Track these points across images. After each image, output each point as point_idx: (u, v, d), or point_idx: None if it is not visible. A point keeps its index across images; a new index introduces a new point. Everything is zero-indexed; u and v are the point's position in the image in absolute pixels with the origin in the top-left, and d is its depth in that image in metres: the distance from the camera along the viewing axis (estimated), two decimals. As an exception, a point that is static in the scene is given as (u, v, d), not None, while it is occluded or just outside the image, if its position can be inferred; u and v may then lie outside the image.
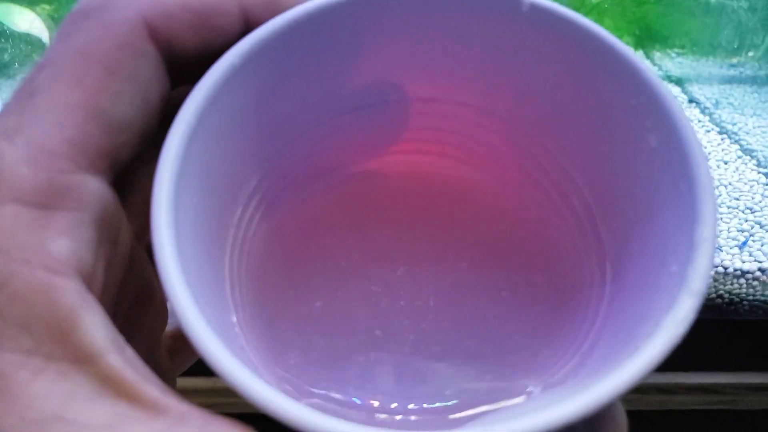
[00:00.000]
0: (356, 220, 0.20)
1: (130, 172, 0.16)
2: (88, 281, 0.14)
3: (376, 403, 0.17)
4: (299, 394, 0.17)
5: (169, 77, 0.16)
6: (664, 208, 0.14)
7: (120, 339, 0.14)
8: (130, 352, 0.14)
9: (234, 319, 0.16)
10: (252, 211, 0.18)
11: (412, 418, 0.16)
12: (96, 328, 0.13)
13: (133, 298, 0.18)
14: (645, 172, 0.15)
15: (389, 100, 0.18)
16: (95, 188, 0.14)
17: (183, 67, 0.16)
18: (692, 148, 0.14)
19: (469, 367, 0.17)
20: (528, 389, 0.16)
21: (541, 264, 0.18)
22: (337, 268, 0.19)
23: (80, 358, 0.13)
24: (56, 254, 0.13)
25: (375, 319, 0.18)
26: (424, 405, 0.17)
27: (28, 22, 0.90)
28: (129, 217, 0.16)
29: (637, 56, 0.15)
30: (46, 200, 0.13)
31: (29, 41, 1.00)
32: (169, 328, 0.21)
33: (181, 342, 0.22)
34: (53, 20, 1.09)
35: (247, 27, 0.16)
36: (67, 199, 0.13)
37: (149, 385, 0.13)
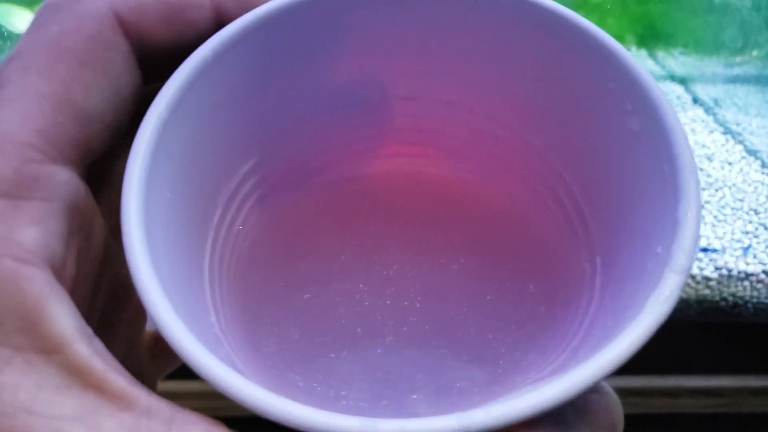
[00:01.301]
0: (344, 220, 0.19)
1: (104, 167, 0.16)
2: (57, 272, 0.13)
3: (343, 402, 0.17)
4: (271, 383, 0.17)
5: (142, 72, 0.16)
6: (648, 191, 0.14)
7: (88, 329, 0.14)
8: (98, 343, 0.14)
9: (212, 312, 0.16)
10: (234, 212, 0.18)
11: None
12: (63, 317, 0.13)
13: (109, 294, 0.17)
14: (628, 156, 0.14)
15: (370, 100, 0.18)
16: (65, 179, 0.14)
17: (155, 62, 0.16)
18: (673, 129, 0.13)
19: (441, 372, 0.17)
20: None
21: (531, 264, 0.18)
22: (324, 267, 0.19)
23: (48, 348, 0.13)
24: (24, 244, 0.13)
25: (358, 317, 0.18)
26: (390, 403, 0.17)
27: (27, 23, 0.90)
28: (105, 213, 0.16)
29: (615, 41, 0.15)
30: (15, 190, 0.13)
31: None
32: (150, 328, 0.21)
33: (163, 342, 0.21)
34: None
35: (220, 22, 0.16)
36: (36, 189, 0.13)
37: (117, 376, 0.13)
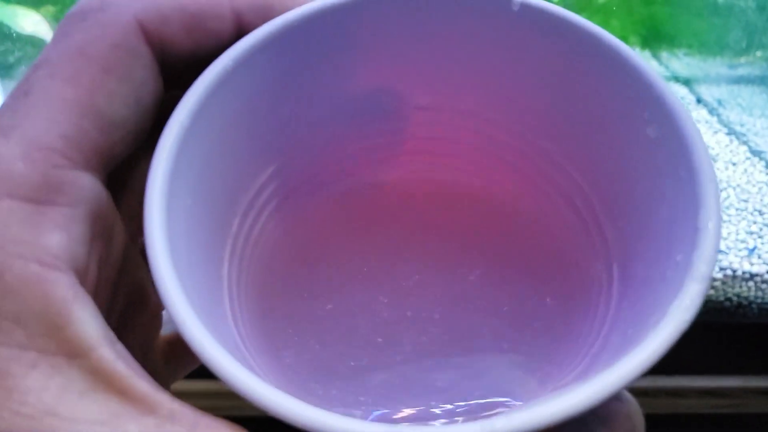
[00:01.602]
0: (362, 228, 0.20)
1: (124, 173, 0.16)
2: (81, 276, 0.14)
3: (363, 407, 0.17)
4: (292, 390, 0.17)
5: (163, 79, 0.16)
6: (666, 199, 0.14)
7: (111, 334, 0.14)
8: (120, 347, 0.14)
9: (231, 320, 0.16)
10: (253, 219, 0.18)
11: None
12: (88, 322, 0.13)
13: (127, 298, 0.18)
14: (646, 164, 0.15)
15: (387, 108, 0.18)
16: (89, 185, 0.14)
17: (177, 70, 0.16)
18: (691, 136, 0.13)
19: (459, 381, 0.17)
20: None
21: (547, 273, 0.18)
22: (343, 276, 0.19)
23: (73, 352, 0.13)
24: (49, 248, 0.13)
25: (377, 327, 0.18)
26: (409, 411, 0.17)
27: (33, 24, 0.90)
28: (124, 219, 0.16)
29: (629, 49, 0.15)
30: (41, 195, 0.13)
31: (34, 43, 1.00)
32: (165, 332, 0.21)
33: (178, 347, 0.22)
34: (58, 22, 1.09)
35: (240, 31, 0.16)
36: (61, 194, 0.14)
37: (140, 380, 0.13)
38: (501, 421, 0.11)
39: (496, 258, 0.19)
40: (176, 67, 0.16)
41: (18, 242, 0.13)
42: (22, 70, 1.10)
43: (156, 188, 0.14)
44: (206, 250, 0.16)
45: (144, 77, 0.15)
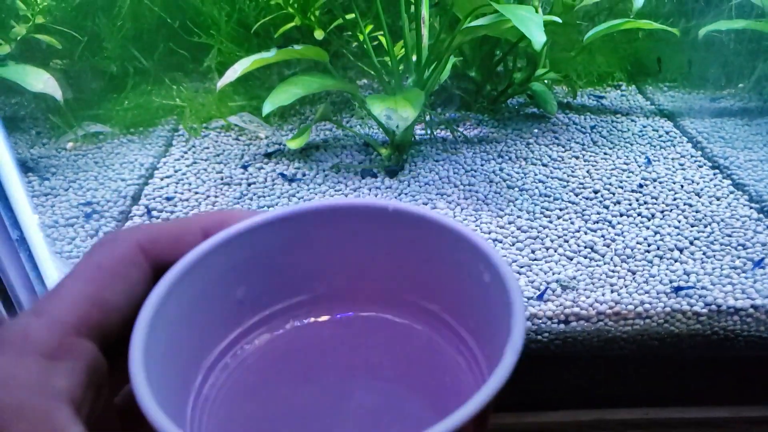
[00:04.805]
0: (295, 368, 0.25)
1: (115, 344, 0.23)
2: (77, 409, 0.19)
3: None
4: None
5: (157, 276, 0.22)
6: (495, 316, 0.21)
7: None
8: None
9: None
10: (213, 379, 0.23)
11: None
12: None
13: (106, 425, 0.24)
14: (485, 297, 0.22)
15: (316, 287, 0.25)
16: (89, 349, 0.21)
17: (165, 266, 0.23)
18: (509, 279, 0.21)
19: None
20: None
21: (426, 370, 0.25)
22: (279, 409, 0.24)
23: None
24: (56, 388, 0.19)
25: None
26: None
27: (42, 82, 0.94)
28: (114, 375, 0.22)
29: (468, 229, 0.23)
30: (55, 353, 0.20)
31: (44, 99, 1.04)
32: None
33: None
34: (66, 74, 1.13)
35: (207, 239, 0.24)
36: (69, 353, 0.20)
37: None
38: None
39: (396, 367, 0.25)
40: (167, 266, 0.23)
41: (35, 384, 0.19)
42: (29, 123, 1.14)
43: (136, 354, 0.20)
44: (175, 393, 0.22)
45: (138, 279, 0.22)
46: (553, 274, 0.78)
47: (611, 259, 0.80)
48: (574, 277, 0.77)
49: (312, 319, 0.25)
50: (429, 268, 0.24)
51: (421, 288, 0.24)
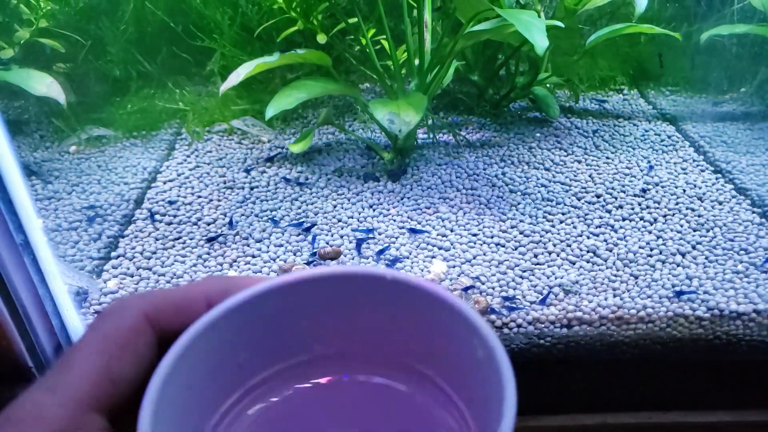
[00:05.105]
0: (297, 423, 0.25)
1: (125, 414, 0.23)
2: None
3: None
4: None
5: (162, 346, 0.23)
6: (489, 392, 0.22)
7: None
8: None
9: None
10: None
11: None
12: None
13: None
14: (478, 372, 0.22)
15: (314, 350, 0.26)
16: (99, 421, 0.22)
17: (174, 337, 0.23)
18: (501, 356, 0.21)
19: None
20: None
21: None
22: None
23: None
24: None
25: None
26: None
27: (46, 86, 0.94)
28: None
29: (462, 302, 0.23)
30: (67, 428, 0.21)
31: (47, 102, 1.04)
32: None
33: None
34: (69, 78, 1.14)
35: (210, 308, 0.24)
36: (80, 428, 0.21)
37: None
38: None
39: (389, 426, 0.26)
40: (173, 335, 0.23)
41: None
42: (33, 127, 1.15)
43: (144, 421, 0.20)
44: None
45: (145, 350, 0.23)
46: (556, 278, 0.78)
47: (614, 264, 0.80)
48: (577, 282, 0.77)
49: (311, 382, 0.26)
50: (425, 336, 0.25)
51: (417, 353, 0.25)
